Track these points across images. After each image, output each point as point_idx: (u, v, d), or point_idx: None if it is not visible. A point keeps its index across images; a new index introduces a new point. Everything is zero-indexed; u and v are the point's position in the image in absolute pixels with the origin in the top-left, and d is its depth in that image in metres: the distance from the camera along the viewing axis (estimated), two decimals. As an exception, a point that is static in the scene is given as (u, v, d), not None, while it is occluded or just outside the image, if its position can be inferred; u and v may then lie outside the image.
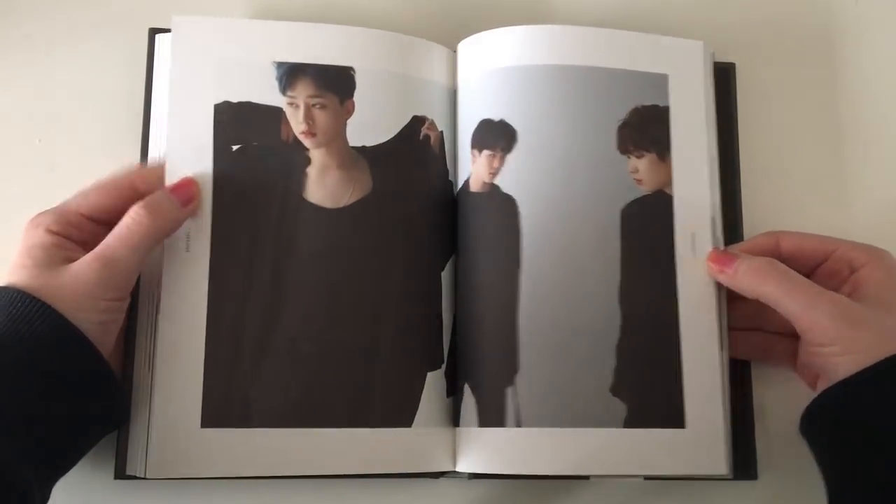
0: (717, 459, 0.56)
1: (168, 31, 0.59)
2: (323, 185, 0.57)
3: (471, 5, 0.68)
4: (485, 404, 0.56)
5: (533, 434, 0.56)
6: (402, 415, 0.56)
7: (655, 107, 0.60)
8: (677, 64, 0.62)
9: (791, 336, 0.58)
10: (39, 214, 0.53)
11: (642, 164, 0.60)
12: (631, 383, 0.57)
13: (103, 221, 0.54)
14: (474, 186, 0.59)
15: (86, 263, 0.50)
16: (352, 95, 0.58)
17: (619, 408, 0.56)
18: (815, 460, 0.54)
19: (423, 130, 0.59)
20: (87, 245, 0.52)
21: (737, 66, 0.66)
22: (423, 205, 0.59)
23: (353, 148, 0.58)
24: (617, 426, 0.56)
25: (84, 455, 0.53)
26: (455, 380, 0.58)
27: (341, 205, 0.57)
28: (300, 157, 0.58)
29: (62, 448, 0.50)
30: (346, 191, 0.57)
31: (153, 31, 0.60)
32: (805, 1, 0.71)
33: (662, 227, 0.59)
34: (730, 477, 0.57)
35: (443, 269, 0.59)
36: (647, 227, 0.59)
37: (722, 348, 0.58)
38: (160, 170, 0.56)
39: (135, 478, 0.54)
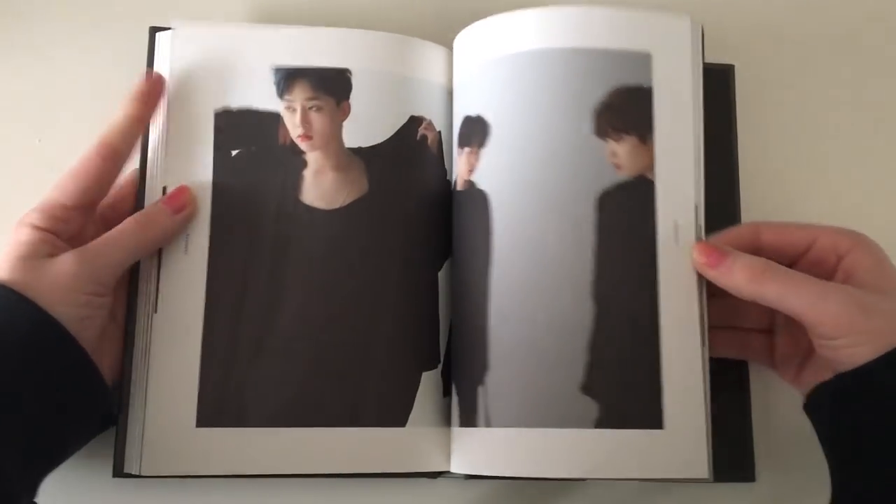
0: (698, 462, 0.53)
1: (168, 29, 0.59)
2: (319, 187, 0.58)
3: (471, 4, 0.68)
4: (463, 404, 0.56)
5: (500, 434, 0.54)
6: (396, 414, 0.56)
7: (638, 87, 0.57)
8: (662, 41, 0.57)
9: (766, 332, 0.58)
10: (27, 213, 0.53)
11: (622, 148, 0.56)
12: (603, 382, 0.54)
13: (90, 206, 0.55)
14: (459, 185, 0.59)
15: (67, 256, 0.51)
16: (348, 97, 0.59)
17: (591, 407, 0.53)
18: (820, 438, 0.53)
19: (421, 130, 0.59)
20: (77, 240, 0.53)
21: (736, 67, 0.66)
22: (419, 205, 0.59)
23: (350, 149, 0.58)
24: (588, 427, 0.53)
25: (74, 451, 0.53)
26: (450, 380, 0.58)
27: (337, 206, 0.57)
28: (297, 159, 0.58)
29: (46, 442, 0.50)
30: (341, 192, 0.58)
31: (153, 30, 0.60)
32: (804, 2, 0.71)
33: (643, 214, 0.55)
34: (710, 480, 0.53)
35: (440, 268, 0.59)
36: (626, 214, 0.55)
37: (703, 344, 0.55)
38: (115, 130, 0.56)
39: (132, 476, 0.54)
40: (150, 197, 0.57)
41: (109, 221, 0.56)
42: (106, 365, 0.54)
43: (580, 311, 0.54)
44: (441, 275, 0.59)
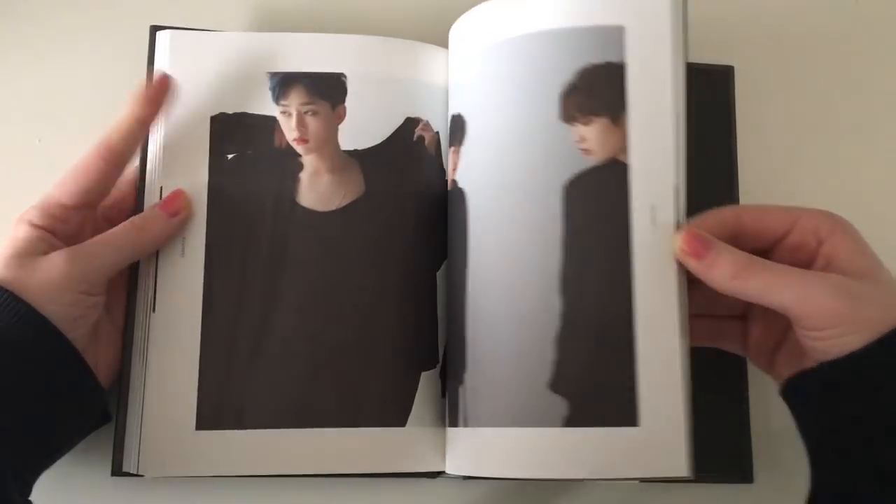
0: (676, 459, 0.50)
1: (169, 28, 0.60)
2: (315, 189, 0.58)
3: (472, 4, 0.68)
4: (450, 404, 0.57)
5: (476, 434, 0.54)
6: (395, 415, 0.56)
7: (608, 64, 0.53)
8: (637, 13, 0.53)
9: (739, 318, 0.58)
10: (26, 210, 0.53)
11: (591, 132, 0.53)
12: (572, 379, 0.51)
13: (90, 206, 0.55)
14: (448, 185, 0.59)
15: (58, 255, 0.51)
16: (343, 101, 0.59)
17: (560, 406, 0.51)
18: (800, 427, 0.52)
19: (418, 132, 0.60)
20: (75, 239, 0.53)
21: (735, 68, 0.66)
22: (416, 206, 0.59)
23: (346, 151, 0.58)
24: (557, 425, 0.51)
25: (68, 450, 0.53)
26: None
27: (333, 207, 0.58)
28: (293, 162, 0.58)
29: (38, 441, 0.50)
30: (337, 194, 0.58)
31: (154, 28, 0.60)
32: (804, 3, 0.71)
33: (615, 199, 0.52)
34: (691, 478, 0.50)
35: (438, 269, 0.59)
36: (596, 202, 0.52)
37: (683, 335, 0.51)
38: (118, 133, 0.55)
39: (130, 475, 0.55)
40: (149, 199, 0.57)
41: (110, 221, 0.56)
42: (102, 365, 0.54)
43: (547, 307, 0.52)
44: (439, 275, 0.59)
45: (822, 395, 0.50)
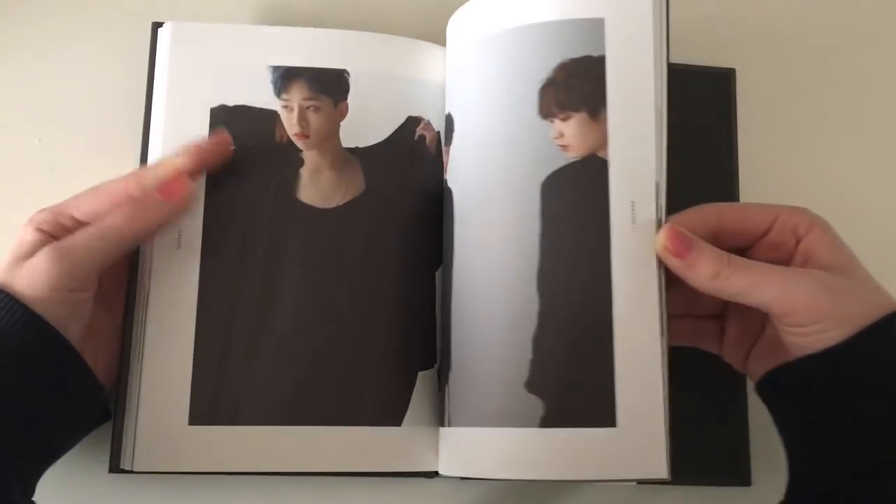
0: (655, 461, 0.49)
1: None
2: (315, 186, 0.58)
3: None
4: (440, 404, 0.57)
5: (458, 434, 0.54)
6: (392, 414, 0.56)
7: (587, 58, 0.52)
8: (617, 5, 0.53)
9: (717, 317, 0.58)
10: (38, 212, 0.53)
11: (569, 128, 0.52)
12: (550, 378, 0.51)
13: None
14: (444, 185, 0.59)
15: (42, 254, 0.50)
16: (346, 98, 0.59)
17: (536, 406, 0.50)
18: (777, 422, 0.53)
19: (419, 131, 0.60)
20: None
21: (737, 71, 0.66)
22: (416, 205, 0.59)
23: (347, 149, 0.58)
24: (533, 426, 0.50)
25: (69, 448, 0.53)
26: (441, 379, 0.58)
27: (333, 205, 0.58)
28: (293, 158, 0.58)
29: (38, 440, 0.50)
30: (338, 191, 0.58)
31: (156, 25, 0.60)
32: (805, 4, 0.71)
33: (594, 196, 0.51)
34: (669, 480, 0.49)
35: (437, 268, 0.59)
36: (574, 199, 0.52)
37: (662, 334, 0.50)
38: (155, 175, 0.55)
39: (128, 471, 0.54)
40: None
41: None
42: (102, 363, 0.54)
43: (525, 306, 0.52)
44: (438, 275, 0.59)
45: (801, 389, 0.50)
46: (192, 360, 0.55)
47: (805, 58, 0.70)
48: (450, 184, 0.57)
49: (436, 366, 0.58)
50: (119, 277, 0.56)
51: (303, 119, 0.58)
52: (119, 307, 0.56)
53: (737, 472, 0.60)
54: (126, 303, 0.56)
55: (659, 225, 0.51)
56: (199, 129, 0.58)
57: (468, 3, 0.58)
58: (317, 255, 0.57)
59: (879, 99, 0.69)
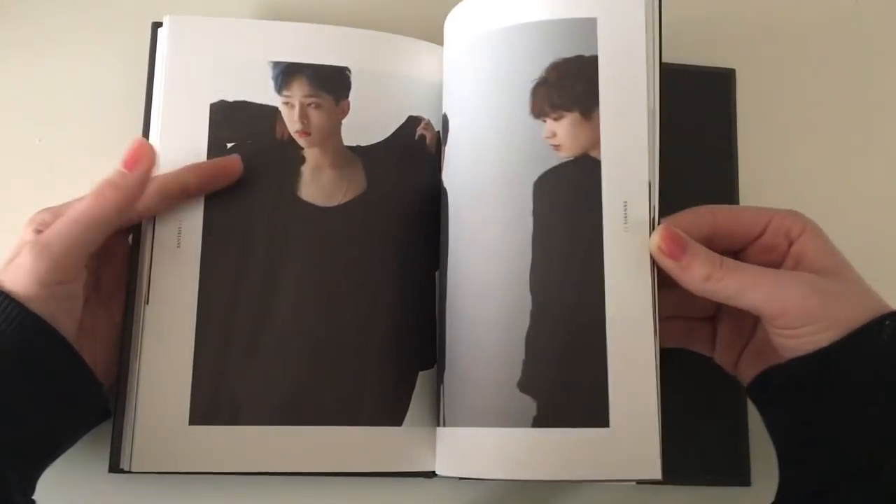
0: (648, 461, 0.49)
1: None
2: (316, 184, 0.58)
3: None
4: (436, 404, 0.57)
5: (453, 433, 0.54)
6: (392, 414, 0.56)
7: (579, 58, 0.52)
8: (610, 4, 0.53)
9: (709, 320, 0.58)
10: (38, 212, 0.53)
11: (561, 127, 0.52)
12: (542, 378, 0.50)
13: None
14: (441, 185, 0.59)
15: (24, 251, 0.49)
16: (347, 95, 0.59)
17: (529, 406, 0.50)
18: (767, 423, 0.53)
19: (419, 131, 0.60)
20: None
21: (736, 71, 0.66)
22: (417, 204, 0.59)
23: (348, 147, 0.58)
24: (525, 426, 0.50)
25: (68, 446, 0.53)
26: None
27: (334, 203, 0.58)
28: (294, 155, 0.58)
29: (37, 439, 0.50)
30: (339, 189, 0.58)
31: (156, 25, 0.60)
32: (804, 4, 0.71)
33: (587, 196, 0.51)
34: (661, 481, 0.49)
35: (437, 268, 0.59)
36: (567, 198, 0.52)
37: (655, 334, 0.50)
38: (154, 185, 0.55)
39: (127, 471, 0.54)
40: None
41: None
42: (102, 362, 0.54)
43: (518, 306, 0.51)
44: (438, 274, 0.59)
45: (792, 390, 0.51)
46: (191, 360, 0.55)
47: (805, 58, 0.70)
48: (445, 183, 0.57)
49: (436, 366, 0.58)
50: (119, 276, 0.56)
51: (304, 116, 0.58)
52: (118, 306, 0.56)
53: (736, 472, 0.60)
54: (126, 301, 0.56)
55: (652, 225, 0.51)
56: (198, 124, 0.57)
57: (463, 2, 0.58)
58: (317, 253, 0.57)
59: (879, 99, 0.70)
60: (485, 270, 0.53)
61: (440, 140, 0.60)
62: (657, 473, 0.49)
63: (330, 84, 0.59)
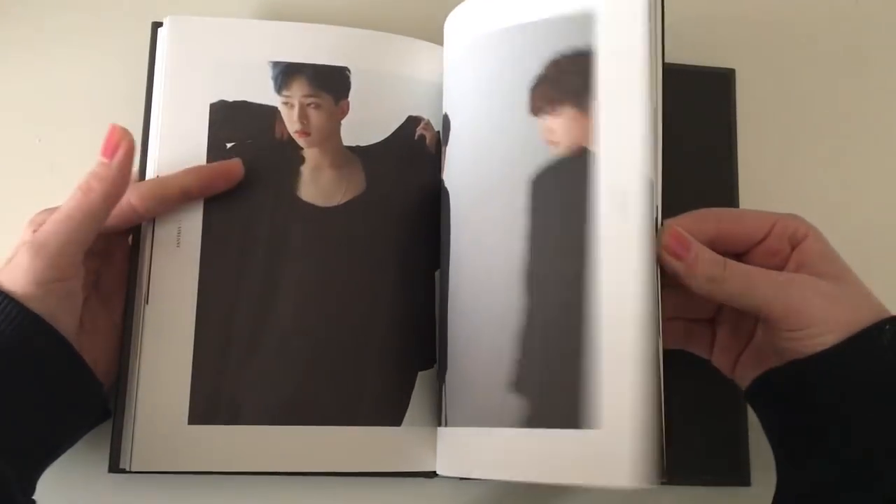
0: (644, 466, 0.46)
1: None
2: (316, 184, 0.58)
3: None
4: (438, 404, 0.57)
5: (452, 434, 0.54)
6: (391, 414, 0.56)
7: (575, 52, 0.51)
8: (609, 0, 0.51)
9: (709, 321, 0.58)
10: (38, 212, 0.53)
11: (558, 123, 0.51)
12: (534, 378, 0.50)
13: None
14: (442, 185, 0.59)
15: (20, 251, 0.49)
16: (347, 95, 0.59)
17: (521, 406, 0.49)
18: (765, 426, 0.53)
19: (419, 131, 0.60)
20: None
21: (736, 71, 0.66)
22: (417, 204, 0.59)
23: (348, 147, 0.58)
24: (518, 426, 0.49)
25: (69, 446, 0.53)
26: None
27: (334, 203, 0.58)
28: (294, 155, 0.58)
29: (37, 438, 0.50)
30: (339, 189, 0.58)
31: (156, 25, 0.60)
32: (804, 4, 0.71)
33: (581, 191, 0.50)
34: (659, 483, 0.47)
35: (437, 268, 0.59)
36: (562, 194, 0.50)
37: (657, 334, 0.48)
38: (154, 187, 0.55)
39: (127, 471, 0.54)
40: None
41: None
42: (102, 362, 0.54)
43: (511, 305, 0.51)
44: (438, 274, 0.59)
45: (792, 391, 0.51)
46: (191, 360, 0.55)
47: (805, 58, 0.70)
48: (446, 184, 0.57)
49: (435, 366, 0.58)
50: (119, 275, 0.56)
51: (304, 116, 0.58)
52: (118, 305, 0.56)
53: (736, 472, 0.60)
54: (125, 301, 0.56)
55: (656, 225, 0.51)
56: (198, 124, 0.57)
57: (464, 2, 0.58)
58: (317, 253, 0.57)
59: (879, 99, 0.70)
60: (483, 270, 0.53)
61: (440, 140, 0.60)
62: (654, 478, 0.47)
63: (329, 84, 0.59)
